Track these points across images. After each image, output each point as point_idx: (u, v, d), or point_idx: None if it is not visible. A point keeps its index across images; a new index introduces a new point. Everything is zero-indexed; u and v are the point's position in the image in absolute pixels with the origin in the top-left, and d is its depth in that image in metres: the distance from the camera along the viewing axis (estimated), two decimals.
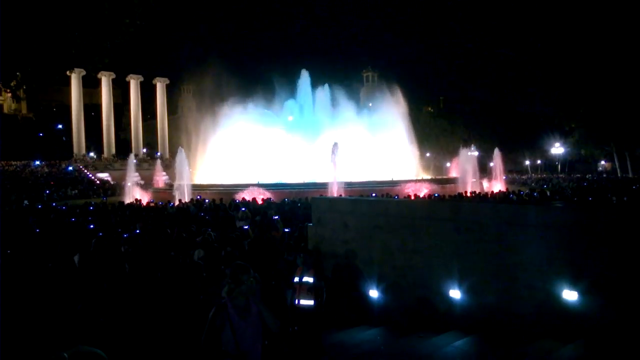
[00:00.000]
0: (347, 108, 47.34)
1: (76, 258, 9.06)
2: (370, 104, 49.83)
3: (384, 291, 8.59)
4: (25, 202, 31.00)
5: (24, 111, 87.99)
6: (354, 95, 49.42)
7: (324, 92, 48.57)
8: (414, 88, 50.03)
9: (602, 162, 78.05)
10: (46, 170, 57.52)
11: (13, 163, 58.63)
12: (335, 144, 33.05)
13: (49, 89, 74.44)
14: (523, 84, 73.39)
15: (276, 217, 16.09)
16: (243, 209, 18.07)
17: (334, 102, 48.44)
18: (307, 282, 7.44)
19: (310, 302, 7.33)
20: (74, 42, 7.75)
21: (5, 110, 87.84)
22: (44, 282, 7.74)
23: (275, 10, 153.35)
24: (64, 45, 7.70)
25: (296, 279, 7.60)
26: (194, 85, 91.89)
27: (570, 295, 6.47)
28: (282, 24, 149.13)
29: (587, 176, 57.52)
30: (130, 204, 25.52)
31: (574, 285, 6.45)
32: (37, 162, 60.94)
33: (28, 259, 9.43)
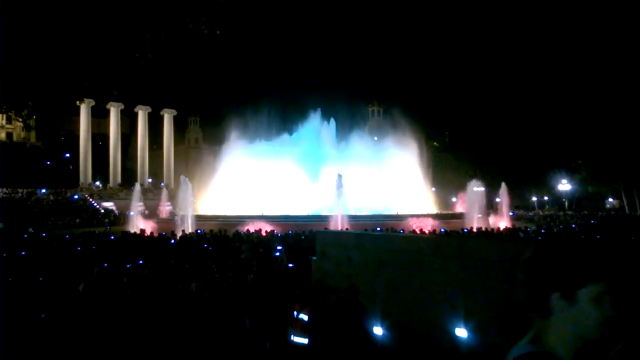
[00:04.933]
0: (352, 142, 47.67)
1: (80, 287, 9.01)
2: (376, 138, 50.15)
3: (388, 328, 8.43)
4: (30, 229, 31.06)
5: (33, 140, 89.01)
6: (359, 129, 49.78)
7: (329, 125, 49.01)
8: (420, 123, 50.49)
9: (610, 200, 77.58)
10: (52, 198, 57.73)
11: (19, 191, 58.91)
12: (340, 176, 33.12)
13: (58, 118, 75.52)
14: (530, 121, 73.67)
15: (280, 247, 15.95)
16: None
17: (339, 135, 48.85)
18: (302, 319, 7.28)
19: (304, 341, 7.08)
20: (87, 74, 7.90)
21: (15, 138, 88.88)
22: (47, 312, 7.67)
23: (281, 44, 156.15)
24: (78, 77, 7.84)
25: (295, 314, 7.41)
26: (200, 117, 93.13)
27: None
28: (288, 58, 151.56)
29: (594, 213, 57.09)
30: (134, 234, 25.47)
31: None
32: (43, 190, 61.20)
33: (32, 287, 9.38)
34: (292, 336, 7.18)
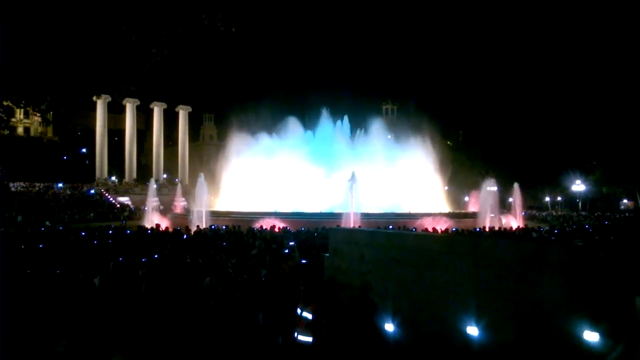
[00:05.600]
0: (365, 140, 47.66)
1: (96, 280, 9.17)
2: (389, 136, 50.00)
3: (399, 325, 8.47)
4: (47, 222, 31.51)
5: (50, 134, 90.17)
6: (372, 127, 49.72)
7: (342, 123, 49.05)
8: (434, 121, 50.40)
9: (625, 201, 76.66)
10: (68, 192, 58.49)
11: (36, 185, 59.76)
12: (353, 174, 33.17)
13: (75, 113, 76.42)
14: (544, 120, 73.00)
15: (292, 243, 15.99)
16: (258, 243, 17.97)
17: (352, 133, 48.88)
18: (305, 318, 7.22)
19: (308, 339, 7.07)
20: (104, 70, 8.02)
21: (32, 133, 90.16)
22: (64, 303, 7.82)
23: (296, 42, 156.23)
24: (95, 72, 7.97)
25: (298, 311, 7.43)
26: (215, 113, 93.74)
27: (591, 336, 6.32)
28: (303, 56, 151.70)
29: (608, 214, 56.47)
30: (150, 229, 25.73)
31: (595, 327, 6.30)
32: (60, 185, 62.02)
33: (48, 280, 9.56)
34: (296, 334, 7.17)
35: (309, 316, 7.15)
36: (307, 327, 7.10)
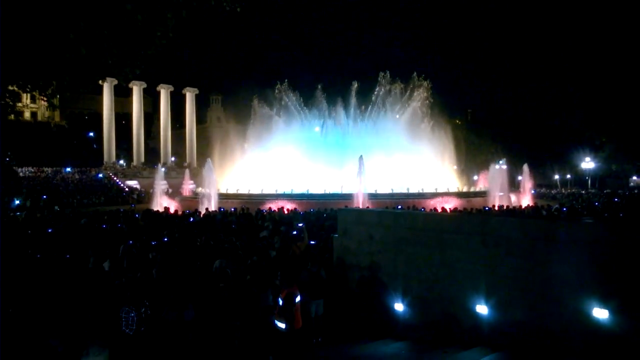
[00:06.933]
0: (373, 119, 47.38)
1: (106, 264, 9.24)
2: (397, 116, 49.61)
3: (409, 304, 8.51)
4: (56, 207, 31.71)
5: (57, 119, 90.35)
6: (381, 107, 49.39)
7: (350, 103, 48.72)
8: (442, 100, 49.86)
9: (634, 178, 76.05)
10: (77, 177, 58.78)
11: (45, 169, 60.08)
12: (361, 157, 33.04)
13: (81, 97, 76.39)
14: (553, 97, 72.33)
15: (301, 224, 15.97)
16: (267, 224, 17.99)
17: (360, 114, 48.58)
18: (278, 304, 7.24)
19: (282, 325, 7.06)
20: (110, 53, 7.96)
21: (39, 117, 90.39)
22: (76, 286, 7.90)
23: (303, 24, 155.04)
24: (101, 56, 7.91)
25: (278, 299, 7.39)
26: (222, 95, 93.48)
27: (600, 313, 6.31)
28: (310, 37, 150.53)
29: (618, 191, 56.03)
30: (159, 212, 25.85)
31: (604, 303, 6.29)
32: (68, 169, 62.35)
33: (59, 264, 9.65)
34: (275, 321, 7.17)
35: (280, 302, 7.11)
36: (278, 313, 7.08)
